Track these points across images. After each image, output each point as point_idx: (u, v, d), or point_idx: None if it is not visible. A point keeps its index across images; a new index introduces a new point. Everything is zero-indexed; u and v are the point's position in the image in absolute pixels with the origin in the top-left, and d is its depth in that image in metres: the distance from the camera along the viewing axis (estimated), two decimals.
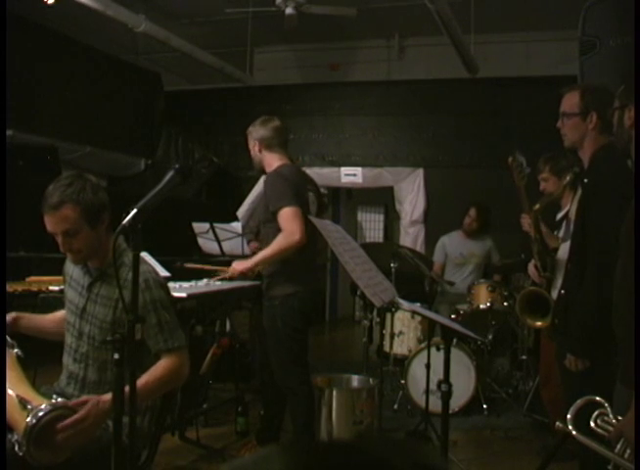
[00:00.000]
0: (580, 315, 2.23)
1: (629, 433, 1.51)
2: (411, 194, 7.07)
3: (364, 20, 6.15)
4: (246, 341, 4.77)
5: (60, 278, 2.71)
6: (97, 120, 6.55)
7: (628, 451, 1.54)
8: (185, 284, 3.52)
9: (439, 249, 5.47)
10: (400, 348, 4.77)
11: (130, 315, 1.67)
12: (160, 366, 2.05)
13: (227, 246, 4.92)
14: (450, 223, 5.57)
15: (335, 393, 3.24)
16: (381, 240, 10.19)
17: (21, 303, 3.07)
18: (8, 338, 2.11)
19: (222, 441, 3.76)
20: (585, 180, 2.37)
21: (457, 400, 4.15)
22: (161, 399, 2.24)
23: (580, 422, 1.67)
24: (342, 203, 9.69)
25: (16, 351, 2.07)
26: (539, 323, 3.30)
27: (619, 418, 1.59)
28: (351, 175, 7.37)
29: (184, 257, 4.69)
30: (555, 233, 3.46)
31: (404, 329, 4.78)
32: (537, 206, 3.07)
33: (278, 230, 3.10)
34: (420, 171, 7.08)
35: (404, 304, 2.69)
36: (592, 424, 1.63)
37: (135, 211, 1.70)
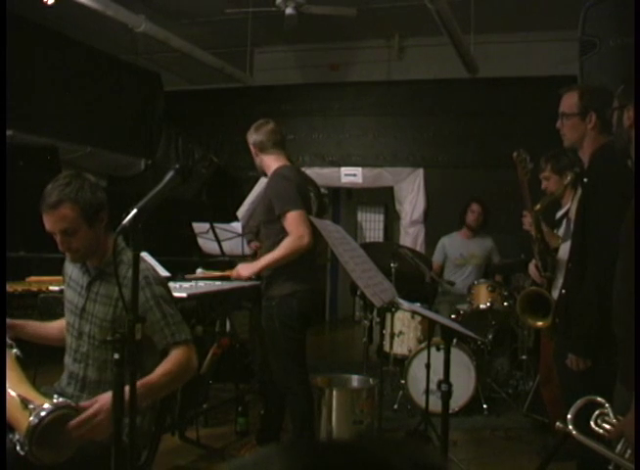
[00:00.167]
0: (581, 315, 2.23)
1: (630, 433, 1.51)
2: (411, 194, 7.07)
3: (364, 20, 6.15)
4: (246, 341, 4.76)
5: (60, 278, 2.71)
6: (97, 120, 6.55)
7: (629, 452, 1.54)
8: (185, 284, 3.52)
9: (439, 249, 5.47)
10: (400, 348, 4.77)
11: (130, 315, 1.67)
12: (171, 360, 2.03)
13: (227, 246, 4.92)
14: (450, 223, 5.57)
15: (335, 393, 3.24)
16: (381, 240, 10.18)
17: (21, 303, 3.07)
18: (7, 338, 2.11)
19: (222, 441, 3.76)
20: (585, 180, 2.37)
21: (457, 400, 4.15)
22: (161, 398, 2.24)
23: (581, 422, 1.67)
24: (343, 203, 9.69)
25: (15, 351, 2.07)
26: (540, 323, 3.30)
27: (620, 418, 1.59)
28: (351, 175, 7.36)
29: (184, 257, 4.69)
30: (555, 231, 3.46)
31: (404, 329, 4.78)
32: (538, 206, 3.07)
33: (280, 231, 3.10)
34: (420, 171, 7.08)
35: (404, 304, 2.69)
36: (592, 424, 1.63)
37: (135, 211, 1.71)
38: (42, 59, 5.90)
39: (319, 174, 6.78)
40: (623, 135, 1.78)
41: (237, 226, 4.99)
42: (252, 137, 3.36)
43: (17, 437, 1.78)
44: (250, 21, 6.33)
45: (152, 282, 2.08)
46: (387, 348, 4.66)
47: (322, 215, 3.50)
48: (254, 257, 4.17)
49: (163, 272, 3.35)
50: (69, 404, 1.82)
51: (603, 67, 4.27)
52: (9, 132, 5.21)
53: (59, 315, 2.47)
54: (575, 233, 2.42)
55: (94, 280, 2.17)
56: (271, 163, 3.33)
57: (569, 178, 3.00)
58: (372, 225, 10.48)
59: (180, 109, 7.81)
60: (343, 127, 7.47)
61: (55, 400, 1.83)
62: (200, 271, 3.57)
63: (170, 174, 1.86)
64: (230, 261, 4.60)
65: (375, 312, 4.95)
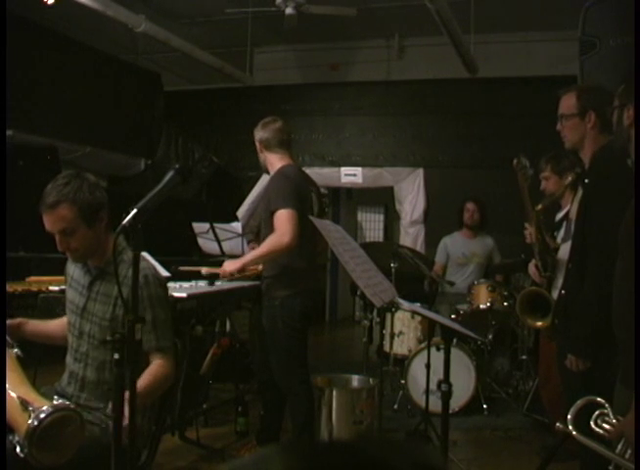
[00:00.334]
0: (581, 315, 2.23)
1: (630, 433, 1.51)
2: (411, 194, 7.07)
3: (364, 20, 6.15)
4: (246, 341, 4.77)
5: (60, 278, 2.71)
6: (97, 120, 6.55)
7: (629, 452, 1.54)
8: (185, 284, 3.52)
9: (441, 249, 5.47)
10: (400, 348, 4.77)
11: (130, 315, 1.67)
12: (155, 368, 2.06)
13: (227, 246, 4.93)
14: (450, 223, 5.57)
15: (335, 393, 3.24)
16: (381, 240, 10.18)
17: (21, 303, 3.07)
18: (7, 338, 2.11)
19: (222, 441, 3.76)
20: (586, 180, 2.37)
21: (457, 400, 4.15)
22: (161, 398, 2.24)
23: (581, 422, 1.67)
24: (343, 203, 9.69)
25: (15, 350, 2.07)
26: (540, 323, 3.30)
27: (620, 418, 1.59)
28: (351, 175, 7.36)
29: (184, 257, 4.69)
30: (555, 233, 3.46)
31: (404, 329, 4.78)
32: (539, 206, 3.07)
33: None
34: (420, 171, 7.08)
35: (404, 304, 2.69)
36: (592, 424, 1.63)
37: (135, 210, 1.71)
38: (42, 59, 5.90)
39: (319, 174, 6.78)
40: (623, 134, 1.78)
41: (237, 226, 5.00)
42: (259, 134, 3.37)
43: (16, 438, 1.78)
44: (250, 21, 6.33)
45: (150, 283, 2.08)
46: (387, 348, 4.66)
47: (322, 216, 3.50)
48: None
49: (163, 272, 3.35)
50: (69, 406, 1.82)
51: (603, 67, 4.27)
52: (9, 132, 5.21)
53: (59, 315, 2.48)
54: (576, 234, 2.42)
55: (95, 279, 2.17)
56: (275, 161, 3.33)
57: (569, 179, 2.99)
58: (372, 225, 10.48)
59: (180, 109, 7.81)
60: (344, 127, 7.47)
61: (54, 402, 1.82)
62: (205, 271, 3.57)
63: (170, 174, 1.86)
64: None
65: (375, 312, 4.95)
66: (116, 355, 1.69)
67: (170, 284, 3.21)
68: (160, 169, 6.86)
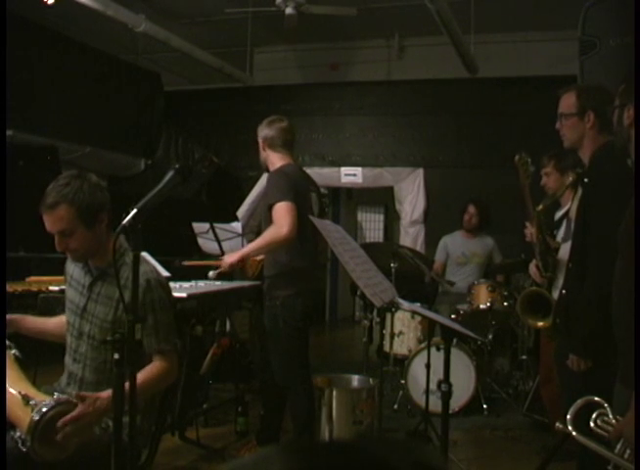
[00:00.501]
0: (582, 315, 2.23)
1: (629, 433, 1.51)
2: (411, 194, 7.07)
3: (364, 20, 6.15)
4: (246, 341, 4.76)
5: (60, 278, 2.71)
6: (97, 120, 6.54)
7: (628, 452, 1.54)
8: (185, 284, 3.52)
9: (441, 248, 5.48)
10: (400, 348, 4.77)
11: (130, 315, 1.67)
12: (152, 368, 2.06)
13: (227, 246, 4.92)
14: (450, 223, 5.57)
15: (335, 393, 3.24)
16: (381, 240, 10.18)
17: (21, 303, 3.07)
18: (6, 339, 2.11)
19: (222, 441, 3.76)
20: (586, 180, 2.37)
21: (457, 400, 4.15)
22: (161, 399, 2.24)
23: (580, 422, 1.67)
24: (343, 203, 9.69)
25: (14, 352, 2.07)
26: (540, 323, 3.31)
27: (619, 418, 1.59)
28: (351, 175, 7.36)
29: (184, 257, 4.69)
30: (555, 232, 3.46)
31: (404, 329, 4.78)
32: (540, 206, 3.07)
33: None
34: (420, 171, 7.08)
35: (404, 304, 2.69)
36: (592, 424, 1.63)
37: (135, 211, 1.71)
38: (42, 59, 5.90)
39: (319, 174, 6.77)
40: (623, 134, 1.78)
41: (237, 226, 4.99)
42: (264, 131, 3.36)
43: (18, 434, 1.79)
44: (250, 21, 6.33)
45: (152, 286, 2.08)
46: (387, 348, 4.66)
47: (323, 216, 3.51)
48: None
49: (163, 272, 3.35)
50: (70, 401, 1.83)
51: (603, 67, 4.27)
52: (9, 132, 5.21)
53: (59, 315, 2.47)
54: (576, 233, 2.42)
55: (96, 280, 2.17)
56: (276, 160, 3.33)
57: (570, 178, 2.99)
58: (372, 225, 10.48)
59: (180, 109, 7.81)
60: (343, 127, 7.47)
61: (56, 396, 1.83)
62: (211, 273, 3.57)
63: (170, 174, 1.86)
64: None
65: (375, 312, 4.95)
66: (116, 355, 1.69)
67: (170, 284, 3.20)
68: (160, 169, 6.86)
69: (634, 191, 1.66)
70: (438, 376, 2.65)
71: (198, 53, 6.42)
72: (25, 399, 1.78)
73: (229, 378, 4.41)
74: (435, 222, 6.74)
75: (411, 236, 7.00)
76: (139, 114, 7.26)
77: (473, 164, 6.90)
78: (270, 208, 3.11)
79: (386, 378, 4.53)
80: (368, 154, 7.35)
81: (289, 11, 5.23)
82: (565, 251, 2.92)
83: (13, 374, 1.93)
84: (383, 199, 9.24)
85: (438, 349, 3.79)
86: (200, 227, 4.93)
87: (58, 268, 2.45)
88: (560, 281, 2.85)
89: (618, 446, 1.56)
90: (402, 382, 4.42)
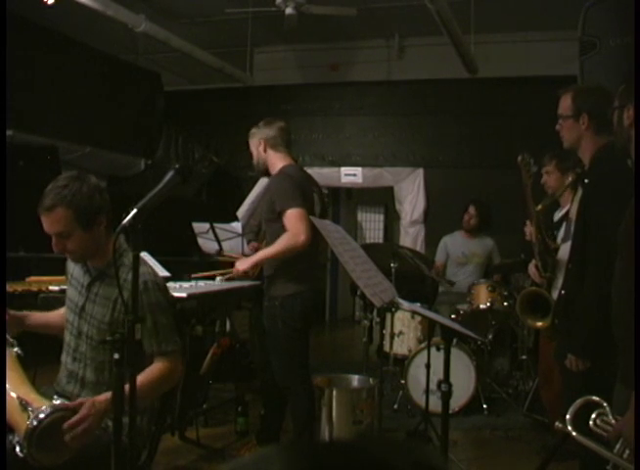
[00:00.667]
0: (581, 315, 2.23)
1: (628, 433, 1.51)
2: (411, 194, 7.07)
3: (364, 20, 6.15)
4: (246, 341, 4.76)
5: (60, 278, 2.71)
6: (97, 120, 6.54)
7: (627, 452, 1.54)
8: (185, 284, 3.52)
9: (441, 248, 5.49)
10: (400, 348, 4.77)
11: (130, 315, 1.67)
12: (154, 369, 2.06)
13: (227, 246, 4.92)
14: (450, 223, 5.58)
15: (335, 393, 3.24)
16: (381, 240, 10.18)
17: (21, 303, 3.06)
18: (8, 337, 2.11)
19: (222, 441, 3.76)
20: (586, 181, 2.37)
21: (457, 400, 4.15)
22: (161, 399, 2.24)
23: (580, 422, 1.67)
24: (343, 203, 9.68)
25: (16, 350, 2.07)
26: (540, 323, 3.31)
27: (619, 418, 1.59)
28: (351, 175, 7.36)
29: (184, 257, 4.69)
30: (555, 233, 3.46)
31: (404, 329, 4.78)
32: (540, 206, 3.07)
33: (282, 230, 3.10)
34: (420, 171, 7.08)
35: (404, 303, 2.69)
36: (591, 424, 1.63)
37: (135, 211, 1.71)
38: (42, 59, 5.90)
39: (319, 174, 6.75)
40: (623, 134, 1.79)
41: (237, 226, 4.99)
42: (264, 132, 3.32)
43: (16, 438, 1.78)
44: (250, 21, 6.33)
45: (149, 288, 2.07)
46: (387, 348, 4.66)
47: (324, 216, 3.50)
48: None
49: (163, 272, 3.35)
50: (68, 407, 1.82)
51: (603, 67, 4.27)
52: (9, 132, 5.21)
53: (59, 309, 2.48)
54: (576, 234, 2.42)
55: (94, 281, 2.16)
56: (277, 161, 3.31)
57: (570, 179, 3.00)
58: (372, 225, 10.48)
59: (180, 109, 7.80)
60: (343, 127, 7.47)
61: (54, 402, 1.83)
62: (218, 280, 3.58)
63: (170, 174, 1.86)
64: (230, 261, 4.59)
65: (375, 312, 4.95)
66: (116, 355, 1.69)
67: (170, 284, 3.21)
68: (160, 169, 6.86)
69: (634, 191, 1.67)
70: (438, 376, 2.65)
71: (198, 53, 6.42)
72: (23, 404, 1.78)
73: (229, 378, 4.41)
74: (435, 222, 6.74)
75: (411, 236, 7.00)
76: (139, 114, 7.26)
77: (473, 164, 6.90)
78: (280, 213, 3.09)
79: (386, 378, 4.53)
80: (368, 154, 7.35)
81: (289, 11, 5.23)
82: (564, 251, 2.92)
83: (14, 376, 1.93)
84: (383, 199, 9.24)
85: (438, 349, 3.79)
86: (200, 227, 4.93)
87: (58, 268, 2.45)
88: (559, 281, 2.85)
89: (618, 446, 1.56)
90: (402, 382, 4.42)
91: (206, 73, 7.20)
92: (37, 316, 2.39)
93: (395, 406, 4.44)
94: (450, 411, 2.59)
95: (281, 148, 3.32)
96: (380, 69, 7.37)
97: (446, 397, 2.42)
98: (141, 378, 1.99)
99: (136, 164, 7.38)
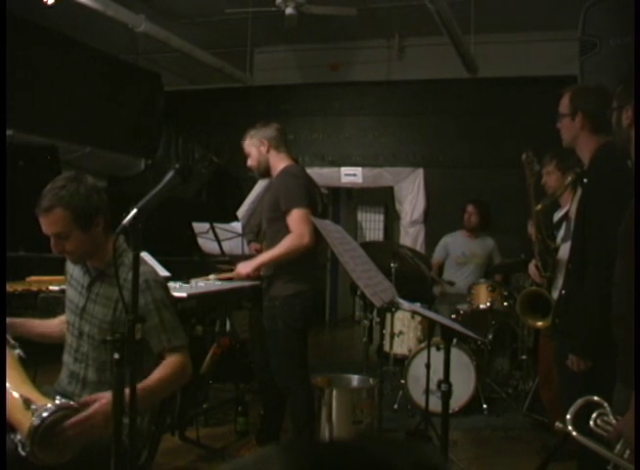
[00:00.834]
0: (582, 315, 2.23)
1: (629, 433, 1.51)
2: (411, 194, 7.07)
3: (364, 20, 6.15)
4: (246, 341, 4.76)
5: (60, 278, 2.71)
6: (97, 120, 6.55)
7: (628, 452, 1.54)
8: (185, 284, 3.52)
9: (441, 247, 5.49)
10: (400, 348, 4.77)
11: (130, 315, 1.67)
12: (168, 365, 2.05)
13: (227, 246, 4.92)
14: (450, 223, 5.58)
15: (335, 393, 3.24)
16: (381, 240, 10.19)
17: (21, 303, 3.07)
18: (9, 338, 2.11)
19: (222, 441, 3.76)
20: (585, 180, 2.37)
21: (457, 400, 4.15)
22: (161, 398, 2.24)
23: (580, 422, 1.67)
24: (343, 203, 9.68)
25: (17, 351, 2.07)
26: (540, 323, 3.31)
27: (619, 418, 1.59)
28: (351, 175, 7.36)
29: (184, 257, 4.69)
30: (555, 233, 3.46)
31: (404, 329, 4.78)
32: (539, 206, 3.07)
33: (284, 229, 3.10)
34: (420, 171, 7.09)
35: (404, 303, 2.69)
36: (591, 424, 1.63)
37: (135, 211, 1.71)
38: (42, 59, 5.90)
39: (319, 174, 6.77)
40: (622, 135, 1.79)
41: (237, 226, 4.99)
42: (266, 132, 3.31)
43: (18, 437, 1.78)
44: (250, 21, 6.33)
45: (152, 286, 2.08)
46: (387, 348, 4.66)
47: (323, 217, 3.50)
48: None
49: (163, 272, 3.35)
50: (71, 406, 1.82)
51: (603, 67, 4.27)
52: (9, 132, 5.21)
53: (59, 315, 2.47)
54: (576, 233, 2.42)
55: (94, 281, 2.17)
56: (280, 161, 3.31)
57: (569, 178, 3.00)
58: (372, 225, 10.48)
59: (180, 109, 7.81)
60: (343, 127, 7.47)
61: (57, 401, 1.83)
62: (212, 277, 3.57)
63: (170, 174, 1.86)
64: (229, 261, 4.60)
65: (375, 312, 4.95)
66: (117, 355, 1.69)
67: (170, 284, 3.21)
68: (160, 169, 6.86)
69: (634, 191, 1.67)
70: (438, 376, 2.65)
71: (198, 53, 6.42)
72: (27, 403, 1.78)
73: (229, 378, 4.41)
74: (435, 222, 6.74)
75: (411, 236, 7.00)
76: (139, 114, 7.27)
77: (473, 164, 6.90)
78: (286, 212, 3.09)
79: (386, 378, 4.52)
80: (368, 154, 7.35)
81: (289, 11, 5.23)
82: (564, 251, 2.93)
83: (16, 375, 1.93)
84: (383, 199, 9.24)
85: (438, 348, 3.79)
86: (200, 227, 4.93)
87: (58, 268, 2.45)
88: (559, 281, 2.85)
89: (618, 447, 1.56)
90: (402, 382, 4.42)
91: (206, 73, 7.20)
92: (35, 325, 2.37)
93: (395, 406, 4.44)
94: (450, 411, 2.59)
95: (282, 148, 3.32)
96: (380, 69, 7.37)
97: (446, 396, 2.42)
98: (158, 374, 1.99)
99: (136, 164, 7.38)
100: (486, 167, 6.73)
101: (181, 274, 3.67)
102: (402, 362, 4.57)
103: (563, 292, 2.48)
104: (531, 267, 3.34)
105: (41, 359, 3.00)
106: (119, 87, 6.94)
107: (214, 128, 7.77)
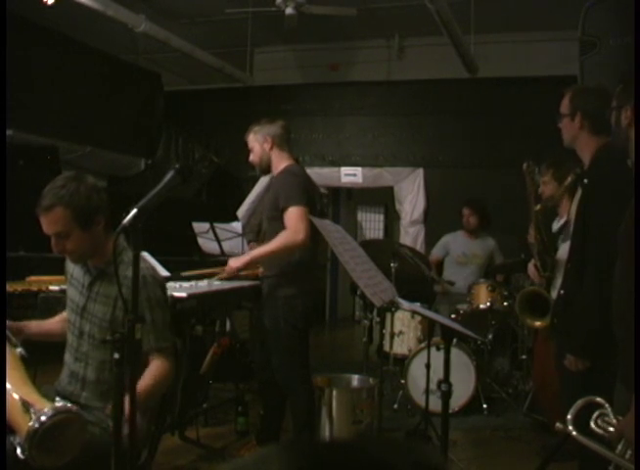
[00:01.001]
0: (580, 315, 2.23)
1: (630, 433, 1.51)
2: (411, 194, 7.07)
3: (364, 20, 6.15)
4: (246, 341, 4.76)
5: (60, 278, 2.71)
6: (97, 120, 6.55)
7: (629, 452, 1.54)
8: (185, 284, 3.52)
9: (440, 245, 5.49)
10: (400, 347, 4.77)
11: (130, 315, 1.67)
12: (156, 369, 2.07)
13: (227, 246, 4.92)
14: (450, 223, 5.57)
15: (335, 392, 3.24)
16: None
17: (21, 302, 3.07)
18: (11, 337, 2.12)
19: (222, 440, 3.76)
20: (585, 181, 2.37)
21: (457, 400, 4.15)
22: (161, 398, 2.24)
23: (580, 423, 1.67)
24: (342, 203, 9.68)
25: (19, 350, 2.07)
26: (539, 323, 3.31)
27: (620, 419, 1.59)
28: (351, 175, 7.36)
29: (184, 257, 4.69)
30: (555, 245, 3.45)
31: (404, 329, 4.78)
32: (538, 206, 3.07)
33: (284, 228, 3.10)
34: (420, 171, 7.09)
35: (404, 303, 2.69)
36: (592, 425, 1.62)
37: (135, 210, 1.71)
38: (42, 59, 5.90)
39: (319, 174, 6.78)
40: (622, 135, 1.79)
41: (237, 226, 5.00)
42: (270, 129, 3.29)
43: (17, 440, 1.78)
44: (250, 21, 6.34)
45: (149, 283, 2.08)
46: (387, 347, 4.66)
47: (322, 217, 3.50)
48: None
49: (163, 272, 3.35)
50: (70, 409, 1.82)
51: (603, 66, 4.27)
52: (9, 132, 5.21)
53: (59, 314, 2.47)
54: (575, 234, 2.42)
55: (95, 280, 2.17)
56: (282, 160, 3.30)
57: (569, 179, 3.00)
58: (372, 225, 10.48)
59: (180, 109, 7.81)
60: (344, 127, 7.47)
61: (56, 404, 1.83)
62: (205, 282, 3.58)
63: (170, 174, 1.86)
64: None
65: (375, 312, 4.95)
66: (116, 355, 1.69)
67: (170, 284, 3.21)
68: (160, 169, 6.87)
69: (634, 191, 1.67)
70: (438, 376, 2.65)
71: (198, 53, 6.42)
72: (25, 406, 1.78)
73: (229, 378, 4.41)
74: (435, 222, 6.74)
75: (411, 236, 7.00)
76: (139, 114, 7.27)
77: (473, 164, 6.90)
78: (283, 210, 3.08)
79: (386, 378, 4.52)
80: (368, 154, 7.35)
81: (289, 11, 5.23)
82: (564, 251, 2.93)
83: (16, 376, 1.92)
84: (383, 199, 9.24)
85: (438, 348, 3.79)
86: (200, 227, 4.94)
87: (58, 268, 2.45)
88: (558, 281, 2.85)
89: (619, 447, 1.56)
90: (402, 382, 4.42)
91: (206, 73, 7.20)
92: (36, 326, 2.37)
93: (395, 406, 4.44)
94: (450, 411, 2.59)
95: (285, 147, 3.32)
96: (380, 69, 7.37)
97: (446, 396, 2.43)
98: (147, 380, 2.00)
99: (136, 164, 7.38)
100: (486, 167, 6.73)
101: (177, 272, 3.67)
102: (402, 362, 4.57)
103: (562, 292, 2.48)
104: (531, 267, 3.34)
105: (42, 359, 3.00)
106: (119, 87, 6.94)
107: (214, 128, 7.77)
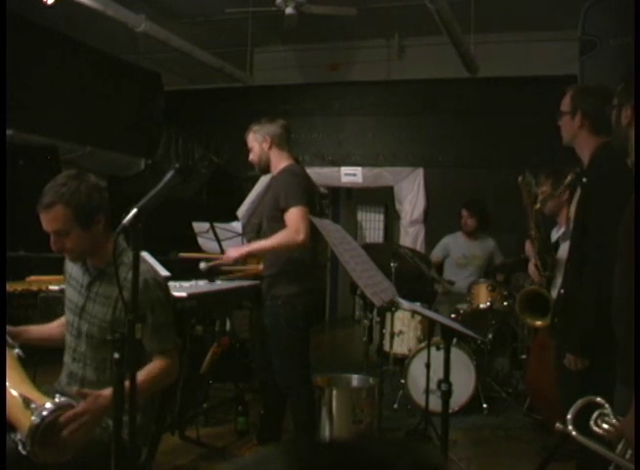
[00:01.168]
0: (580, 314, 2.23)
1: (630, 433, 1.51)
2: (411, 194, 7.07)
3: (364, 20, 6.15)
4: (246, 341, 4.77)
5: (60, 278, 2.71)
6: (97, 120, 6.55)
7: (629, 452, 1.54)
8: (185, 284, 3.52)
9: (440, 246, 5.49)
10: (400, 347, 4.77)
11: (130, 315, 1.67)
12: (153, 367, 2.07)
13: (227, 245, 4.92)
14: (450, 223, 5.57)
15: (335, 392, 3.24)
16: (381, 240, 10.19)
17: (21, 302, 3.08)
18: (9, 338, 2.11)
19: (222, 440, 3.76)
20: (584, 180, 2.37)
21: (457, 400, 4.15)
22: (161, 398, 2.25)
23: (581, 423, 1.67)
24: (342, 203, 9.68)
25: (17, 351, 2.07)
26: (539, 322, 3.31)
27: (620, 419, 1.59)
28: (351, 175, 7.36)
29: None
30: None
31: (404, 329, 4.78)
32: (538, 205, 3.07)
33: (284, 228, 3.10)
34: (420, 171, 7.08)
35: (404, 303, 2.69)
36: (592, 425, 1.62)
37: (135, 210, 1.71)
38: (42, 59, 5.90)
39: (319, 174, 6.77)
40: (621, 134, 1.79)
41: (237, 226, 4.99)
42: (270, 129, 3.29)
43: (18, 436, 1.78)
44: (250, 21, 6.33)
45: (150, 286, 2.08)
46: (386, 347, 4.66)
47: (322, 217, 3.50)
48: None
49: (163, 272, 3.35)
50: (71, 404, 1.83)
51: (603, 66, 4.27)
52: (9, 132, 5.21)
53: (59, 315, 2.47)
54: (574, 233, 2.42)
55: (94, 280, 2.17)
56: (281, 159, 3.30)
57: (569, 178, 3.00)
58: (372, 225, 10.48)
59: (180, 109, 7.80)
60: (343, 127, 7.47)
61: (57, 400, 1.83)
62: (203, 265, 3.55)
63: (170, 174, 1.86)
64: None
65: (375, 312, 4.95)
66: (117, 355, 1.69)
67: (170, 284, 3.21)
68: (160, 169, 6.87)
69: (634, 191, 1.67)
70: (438, 376, 2.65)
71: (198, 53, 6.42)
72: (26, 402, 1.78)
73: (229, 377, 4.42)
74: (435, 222, 6.74)
75: (411, 236, 7.00)
76: (139, 114, 7.26)
77: (473, 163, 6.90)
78: (284, 210, 3.09)
79: (385, 378, 4.52)
80: (368, 154, 7.35)
81: (289, 11, 5.23)
82: (564, 250, 2.93)
83: (15, 375, 1.93)
84: (383, 199, 9.24)
85: (438, 348, 3.79)
86: (200, 227, 4.93)
87: (58, 268, 2.45)
88: (559, 280, 2.85)
89: (620, 447, 1.56)
90: (402, 381, 4.42)
91: (206, 73, 7.20)
92: (36, 331, 2.37)
93: (395, 406, 4.45)
94: (450, 411, 2.59)
95: (285, 146, 3.32)
96: (380, 68, 7.36)
97: (446, 396, 2.43)
98: (141, 377, 2.00)
99: (136, 163, 7.38)
100: (486, 167, 6.72)
101: (181, 274, 3.67)
102: (402, 362, 4.58)
103: (562, 291, 2.48)
104: (531, 266, 3.34)
105: (41, 359, 3.01)
106: (119, 87, 6.94)
107: (214, 128, 7.76)
